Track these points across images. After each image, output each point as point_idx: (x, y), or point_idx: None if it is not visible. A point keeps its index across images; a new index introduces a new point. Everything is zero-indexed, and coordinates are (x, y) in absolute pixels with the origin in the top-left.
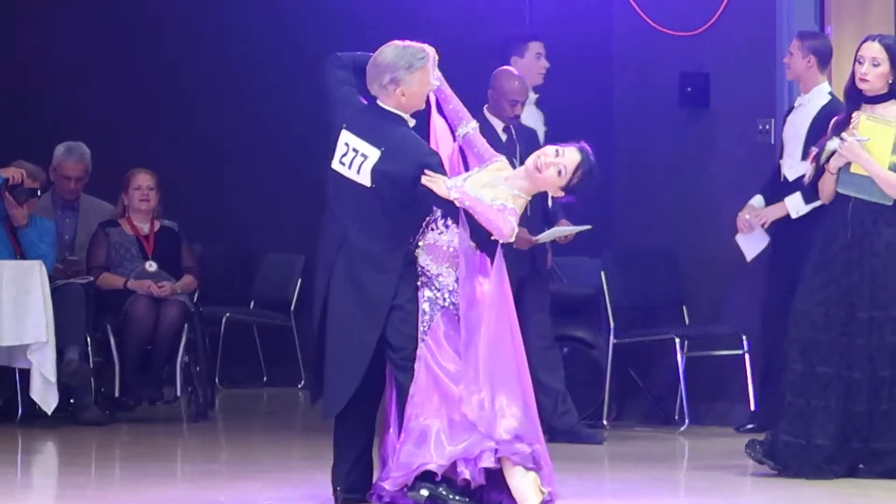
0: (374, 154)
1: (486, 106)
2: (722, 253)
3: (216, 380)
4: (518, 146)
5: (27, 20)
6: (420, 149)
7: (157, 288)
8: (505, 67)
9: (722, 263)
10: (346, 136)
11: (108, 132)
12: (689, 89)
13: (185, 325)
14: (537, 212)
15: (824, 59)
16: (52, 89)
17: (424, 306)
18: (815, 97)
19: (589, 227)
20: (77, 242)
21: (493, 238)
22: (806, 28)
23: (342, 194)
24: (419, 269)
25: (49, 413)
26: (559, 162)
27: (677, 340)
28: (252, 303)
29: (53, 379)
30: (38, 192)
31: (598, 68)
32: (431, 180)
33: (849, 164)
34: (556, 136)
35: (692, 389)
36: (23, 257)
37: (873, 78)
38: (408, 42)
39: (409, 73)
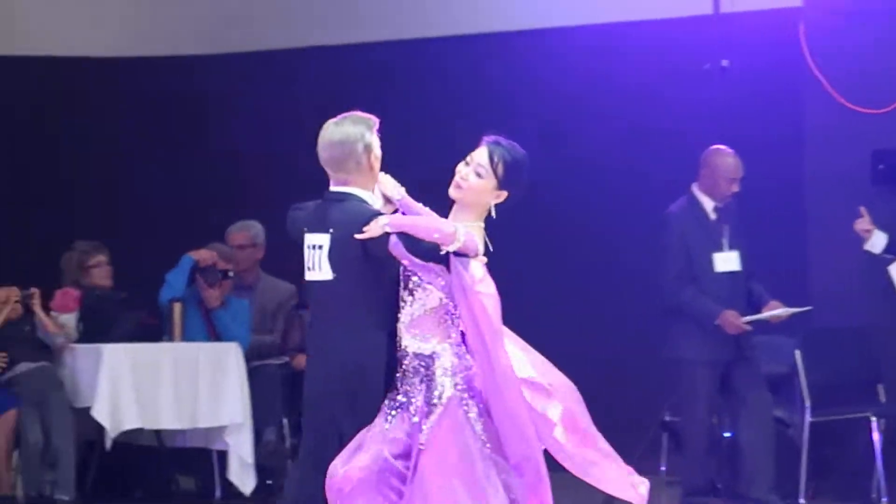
0: (325, 240)
1: (694, 184)
2: None
3: None
4: (727, 226)
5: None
6: (363, 212)
7: None
8: (718, 146)
9: None
10: (307, 239)
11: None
12: (881, 167)
13: None
14: (742, 294)
15: None
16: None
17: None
18: None
19: (809, 307)
20: (253, 323)
21: (442, 250)
22: None
23: (319, 301)
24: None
25: (247, 494)
26: (472, 167)
27: (873, 419)
28: None
29: (251, 460)
30: (230, 274)
31: (790, 146)
32: (367, 229)
33: None
34: (748, 213)
35: (889, 467)
36: (218, 339)
37: None
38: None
39: (372, 133)
